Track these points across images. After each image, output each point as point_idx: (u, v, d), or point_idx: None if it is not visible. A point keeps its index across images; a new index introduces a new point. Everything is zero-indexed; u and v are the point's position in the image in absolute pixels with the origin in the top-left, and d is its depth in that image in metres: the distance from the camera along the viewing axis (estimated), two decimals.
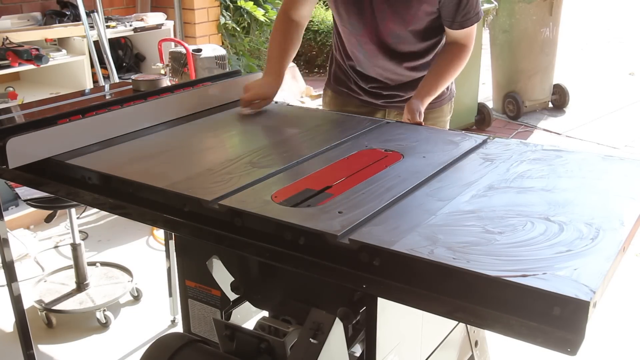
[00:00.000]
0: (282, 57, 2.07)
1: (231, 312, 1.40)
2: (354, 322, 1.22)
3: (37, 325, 2.77)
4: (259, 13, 5.28)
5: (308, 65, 7.40)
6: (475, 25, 1.98)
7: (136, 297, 3.04)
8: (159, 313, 2.87)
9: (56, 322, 2.83)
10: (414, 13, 1.90)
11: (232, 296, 1.41)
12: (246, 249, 1.19)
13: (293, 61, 6.67)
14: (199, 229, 1.25)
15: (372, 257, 1.08)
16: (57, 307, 2.84)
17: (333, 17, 2.13)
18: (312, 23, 7.49)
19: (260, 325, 1.31)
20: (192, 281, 1.54)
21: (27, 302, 2.49)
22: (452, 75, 2.00)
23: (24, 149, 1.54)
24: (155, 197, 1.34)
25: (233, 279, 1.38)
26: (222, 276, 1.39)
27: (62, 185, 1.53)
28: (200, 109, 1.97)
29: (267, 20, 5.42)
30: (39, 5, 4.32)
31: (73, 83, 3.97)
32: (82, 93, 2.46)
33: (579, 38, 8.80)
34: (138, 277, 3.05)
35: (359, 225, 1.15)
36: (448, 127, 2.27)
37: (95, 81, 4.01)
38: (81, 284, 2.94)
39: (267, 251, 1.17)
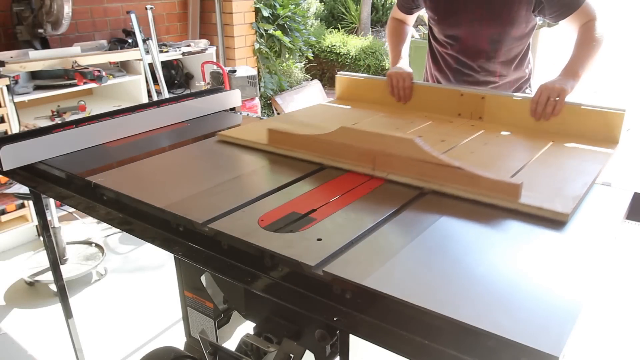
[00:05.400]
0: (399, 47, 1.92)
1: (223, 321, 1.20)
2: (330, 343, 1.00)
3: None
4: (286, 40, 5.06)
5: (330, 81, 7.17)
6: (586, 3, 1.62)
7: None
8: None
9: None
10: (512, 13, 1.65)
11: (224, 307, 1.20)
12: (228, 273, 0.97)
13: (317, 79, 6.48)
14: (191, 250, 1.05)
15: (344, 290, 0.86)
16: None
17: (429, 47, 1.95)
18: (334, 47, 7.25)
19: (243, 342, 1.10)
20: (190, 292, 1.34)
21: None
22: (595, 50, 1.61)
23: (16, 154, 1.42)
24: (155, 215, 1.13)
25: (223, 294, 1.17)
26: (214, 291, 1.19)
27: (83, 199, 1.34)
28: (180, 120, 1.82)
29: (293, 46, 5.20)
30: (108, 34, 4.16)
31: (132, 97, 3.80)
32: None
33: (554, 61, 8.37)
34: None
35: (335, 255, 0.93)
36: None
37: (149, 96, 3.84)
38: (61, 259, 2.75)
39: (248, 275, 0.96)
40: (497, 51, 1.74)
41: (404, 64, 1.87)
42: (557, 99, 1.50)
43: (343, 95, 1.99)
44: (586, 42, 1.60)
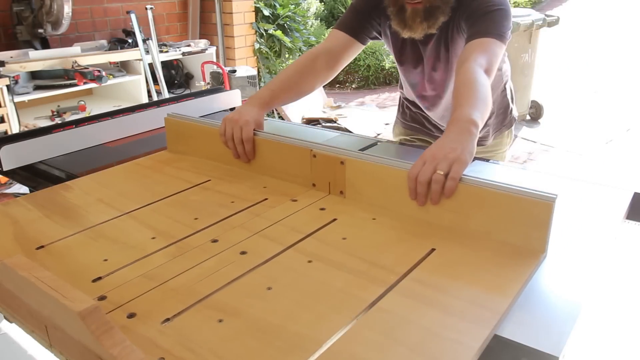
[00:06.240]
0: (282, 87, 1.33)
1: None
2: None
3: None
4: (286, 40, 5.08)
5: (330, 81, 7.19)
6: (495, 44, 1.20)
7: None
8: None
9: None
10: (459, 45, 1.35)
11: None
12: None
13: None
14: None
15: None
16: None
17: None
18: None
19: None
20: None
21: None
22: (485, 93, 1.10)
23: (16, 154, 1.41)
24: None
25: None
26: None
27: None
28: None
29: (293, 46, 5.22)
30: (108, 34, 4.17)
31: (132, 97, 3.82)
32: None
33: (553, 61, 8.40)
34: None
35: None
36: (506, 159, 1.68)
37: (149, 96, 3.85)
38: None
39: None
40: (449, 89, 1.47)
41: (257, 109, 1.25)
42: (448, 173, 0.92)
43: (173, 146, 1.42)
44: (469, 83, 1.10)
